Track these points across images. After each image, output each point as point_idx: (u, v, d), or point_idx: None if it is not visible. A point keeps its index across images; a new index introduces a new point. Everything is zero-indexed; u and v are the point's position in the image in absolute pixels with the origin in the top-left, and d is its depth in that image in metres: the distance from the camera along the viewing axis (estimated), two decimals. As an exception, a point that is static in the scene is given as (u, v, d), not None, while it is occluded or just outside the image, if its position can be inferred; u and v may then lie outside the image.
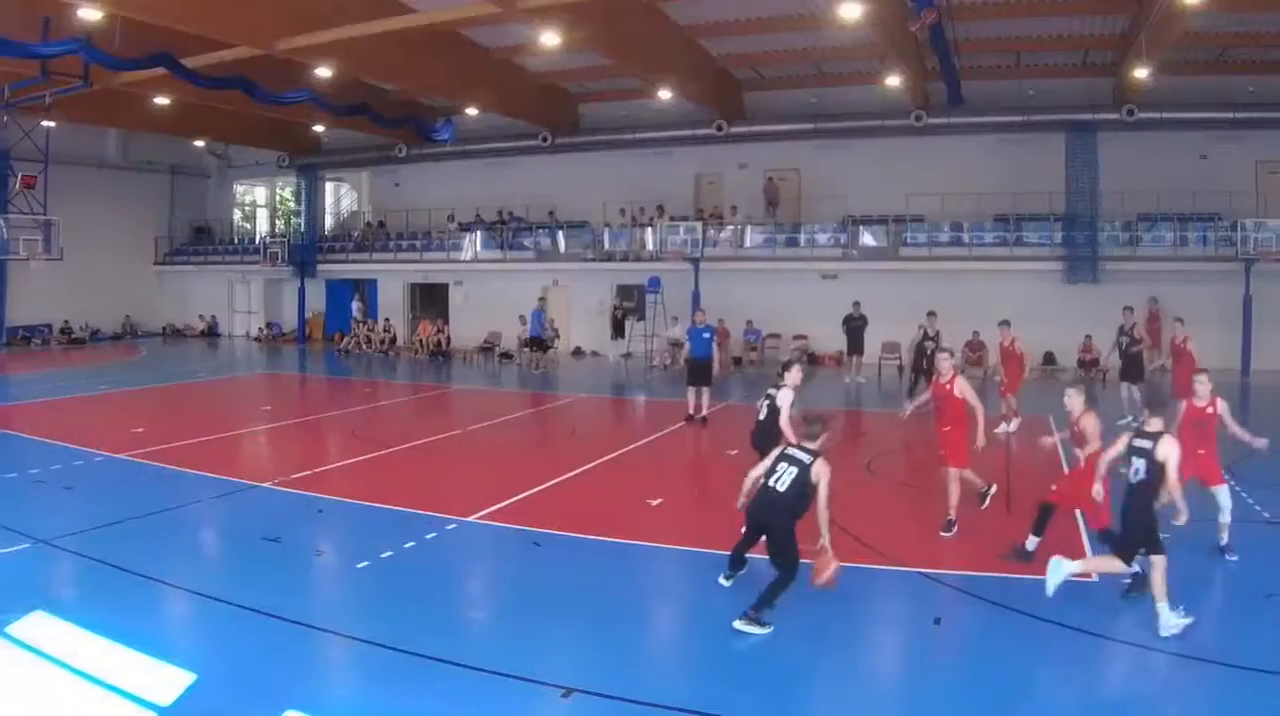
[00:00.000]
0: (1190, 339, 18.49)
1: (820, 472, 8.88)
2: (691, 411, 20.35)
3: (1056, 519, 10.51)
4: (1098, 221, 31.60)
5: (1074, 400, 10.56)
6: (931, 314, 21.99)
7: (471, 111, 35.72)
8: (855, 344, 28.53)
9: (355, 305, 41.12)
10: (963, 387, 12.00)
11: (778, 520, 8.93)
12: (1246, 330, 29.43)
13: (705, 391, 20.25)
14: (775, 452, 9.44)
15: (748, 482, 9.43)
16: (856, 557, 10.57)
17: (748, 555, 9.72)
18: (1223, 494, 10.76)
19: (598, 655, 8.15)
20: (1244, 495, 13.33)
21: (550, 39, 25.30)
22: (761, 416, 12.01)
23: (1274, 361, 28.91)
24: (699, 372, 20.42)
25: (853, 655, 8.51)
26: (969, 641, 8.60)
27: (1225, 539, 10.69)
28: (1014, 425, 18.73)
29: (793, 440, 9.76)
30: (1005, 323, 19.58)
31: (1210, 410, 11.06)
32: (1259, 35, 26.96)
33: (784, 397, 11.90)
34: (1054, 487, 10.82)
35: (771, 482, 9.04)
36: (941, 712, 7.17)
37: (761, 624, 8.53)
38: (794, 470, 8.97)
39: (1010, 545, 10.63)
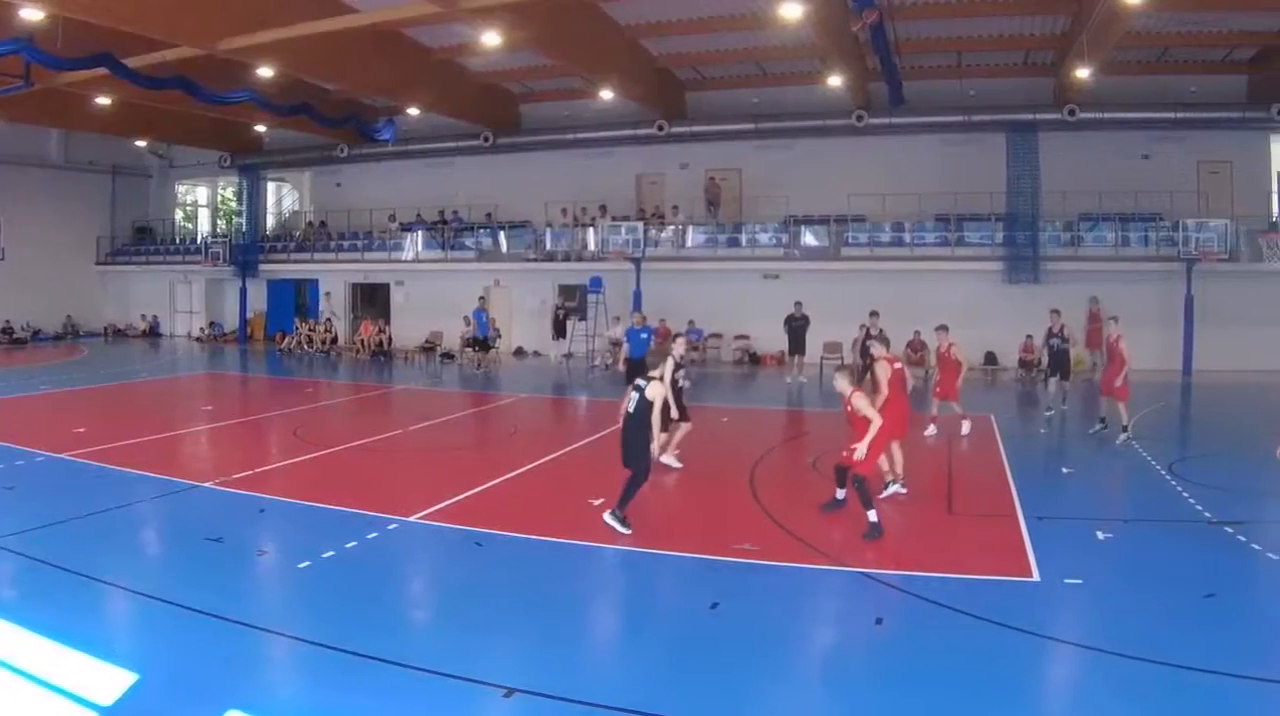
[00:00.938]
0: (1123, 338, 18.30)
1: (653, 393, 11.71)
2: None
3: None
4: (1039, 221, 31.93)
5: (842, 383, 12.09)
6: (874, 313, 21.83)
7: (413, 111, 35.61)
8: (797, 344, 28.66)
9: (324, 304, 41.03)
10: (860, 403, 11.89)
11: (631, 436, 11.77)
12: (1188, 330, 29.93)
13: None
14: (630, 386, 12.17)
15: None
16: (799, 558, 10.77)
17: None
18: None
19: (540, 655, 8.18)
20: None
21: (491, 39, 25.44)
22: (630, 408, 11.89)
23: (1215, 362, 29.31)
24: (638, 373, 20.43)
25: (795, 655, 8.54)
26: (910, 640, 8.63)
27: None
28: (965, 427, 19.16)
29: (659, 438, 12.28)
30: (943, 327, 19.26)
31: None
32: (1200, 35, 27.48)
33: (654, 391, 11.85)
34: (845, 453, 11.97)
35: (625, 408, 11.90)
36: (882, 711, 7.24)
37: (624, 522, 11.36)
38: (636, 395, 11.81)
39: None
